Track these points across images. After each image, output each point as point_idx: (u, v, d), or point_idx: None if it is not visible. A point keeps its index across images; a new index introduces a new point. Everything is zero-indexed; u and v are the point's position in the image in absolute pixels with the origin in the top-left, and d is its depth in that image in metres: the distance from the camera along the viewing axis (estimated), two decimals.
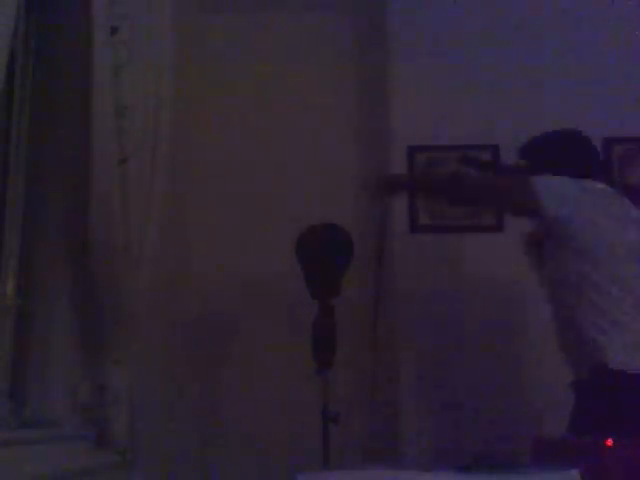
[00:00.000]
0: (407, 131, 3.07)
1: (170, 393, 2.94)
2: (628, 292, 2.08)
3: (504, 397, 2.78)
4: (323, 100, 3.28)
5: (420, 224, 2.99)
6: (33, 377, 2.33)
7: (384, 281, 2.99)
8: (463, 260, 2.94)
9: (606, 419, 1.97)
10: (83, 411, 2.41)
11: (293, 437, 2.84)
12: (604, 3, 3.13)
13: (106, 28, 2.29)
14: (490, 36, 3.13)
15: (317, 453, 2.42)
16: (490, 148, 3.04)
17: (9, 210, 2.30)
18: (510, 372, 2.80)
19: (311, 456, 2.44)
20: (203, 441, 2.95)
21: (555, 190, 2.13)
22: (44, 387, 2.33)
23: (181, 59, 2.74)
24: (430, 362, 2.84)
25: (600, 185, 2.22)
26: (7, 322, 2.24)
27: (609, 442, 2.10)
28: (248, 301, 3.05)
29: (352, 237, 2.57)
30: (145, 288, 2.48)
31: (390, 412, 2.84)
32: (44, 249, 2.41)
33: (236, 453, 2.88)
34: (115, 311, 2.40)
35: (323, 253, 2.53)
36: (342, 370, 2.62)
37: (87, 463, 2.30)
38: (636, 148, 3.02)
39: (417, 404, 2.79)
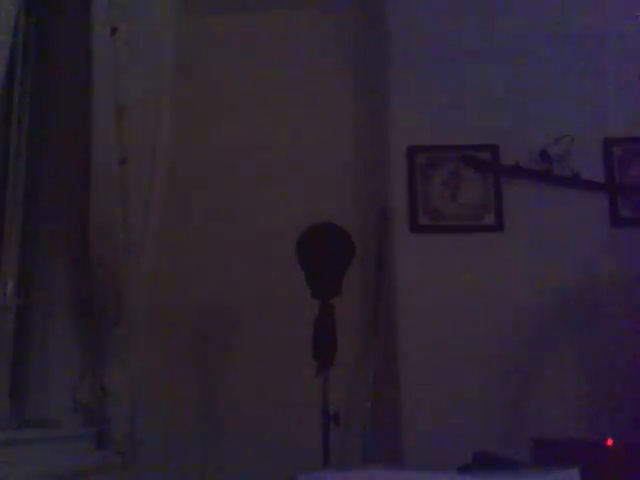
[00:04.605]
0: (407, 131, 3.07)
1: (170, 393, 2.94)
2: None
3: (504, 397, 2.77)
4: (323, 100, 3.28)
5: (420, 224, 2.99)
6: (33, 377, 2.33)
7: (384, 281, 3.00)
8: (463, 260, 2.94)
9: None
10: (83, 411, 2.41)
11: (293, 437, 2.84)
12: (604, 3, 3.13)
13: (106, 28, 2.29)
14: (490, 36, 3.13)
15: (317, 453, 2.42)
16: (490, 148, 3.04)
17: (9, 210, 2.30)
18: (510, 371, 2.80)
19: (311, 456, 2.44)
20: (203, 441, 2.95)
21: None
22: (44, 387, 2.33)
23: (181, 59, 2.74)
24: (430, 362, 2.83)
25: None
26: (7, 322, 2.24)
27: (609, 442, 2.11)
28: (248, 301, 3.05)
29: (352, 237, 2.57)
30: (145, 289, 2.48)
31: (390, 412, 2.83)
32: (44, 249, 2.42)
33: (236, 453, 2.88)
34: (115, 311, 2.40)
35: (323, 253, 2.53)
36: (342, 370, 2.62)
37: (87, 463, 2.30)
38: (636, 148, 3.02)
39: (417, 404, 2.79)
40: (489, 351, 2.83)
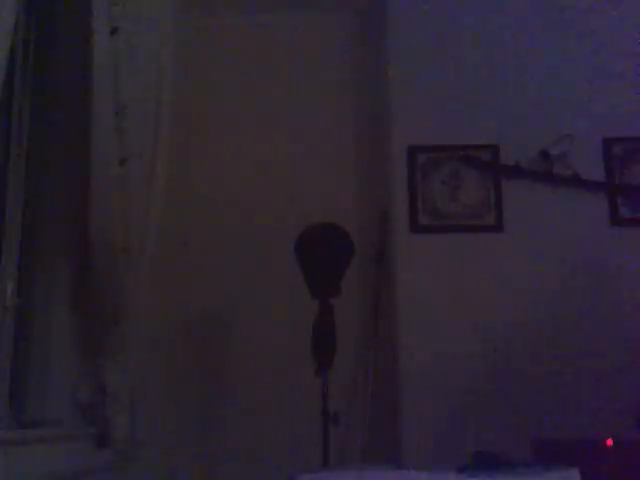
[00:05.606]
0: (407, 131, 3.07)
1: (170, 393, 2.95)
2: None
3: (504, 397, 2.77)
4: (323, 100, 3.28)
5: (420, 224, 2.99)
6: (33, 377, 2.33)
7: (384, 281, 3.00)
8: (463, 260, 2.94)
9: None
10: (83, 411, 2.41)
11: (293, 437, 2.84)
12: (604, 3, 3.13)
13: (106, 28, 2.29)
14: (490, 37, 3.13)
15: (317, 453, 2.42)
16: (490, 148, 3.04)
17: (9, 210, 2.30)
18: (510, 371, 2.80)
19: (311, 456, 2.44)
20: (203, 441, 2.95)
21: None
22: (44, 387, 2.33)
23: (181, 59, 2.74)
24: (430, 362, 2.83)
25: None
26: (7, 322, 2.24)
27: (609, 442, 2.11)
28: (248, 301, 3.05)
29: (352, 237, 2.57)
30: (145, 288, 2.48)
31: (390, 412, 2.83)
32: (44, 249, 2.41)
33: (236, 453, 2.88)
34: (115, 311, 2.40)
35: (323, 253, 2.53)
36: (342, 370, 2.62)
37: (87, 463, 2.30)
38: (636, 148, 3.02)
39: (417, 404, 2.79)
40: (489, 351, 2.83)
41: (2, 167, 2.29)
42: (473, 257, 2.94)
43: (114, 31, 2.32)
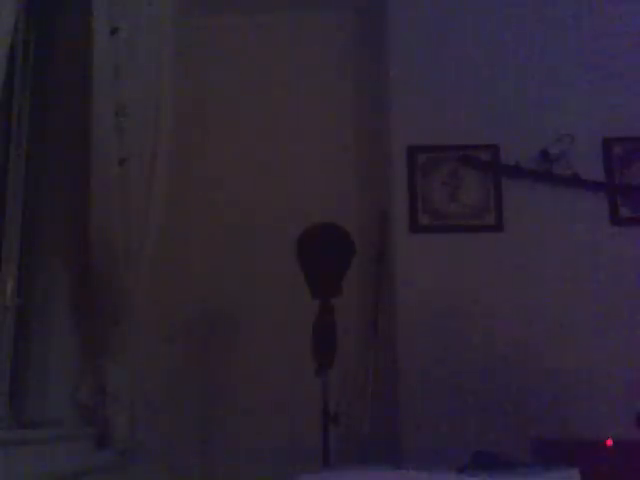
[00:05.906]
0: (407, 131, 3.07)
1: (170, 393, 2.94)
2: None
3: (504, 397, 2.77)
4: (323, 100, 3.28)
5: (420, 224, 2.99)
6: (33, 377, 2.33)
7: (384, 281, 3.00)
8: (463, 260, 2.94)
9: None
10: (83, 411, 2.41)
11: (293, 437, 2.84)
12: (605, 3, 3.13)
13: (106, 28, 2.29)
14: (490, 37, 3.13)
15: (317, 453, 2.42)
16: (490, 148, 3.04)
17: (9, 210, 2.30)
18: (511, 371, 2.80)
19: (311, 456, 2.44)
20: (203, 441, 2.95)
21: None
22: (44, 387, 2.33)
23: (181, 59, 2.74)
24: (430, 362, 2.83)
25: None
26: (7, 322, 2.24)
27: (609, 442, 2.11)
28: (248, 301, 3.05)
29: (352, 237, 2.57)
30: (145, 288, 2.48)
31: (390, 412, 2.83)
32: (44, 249, 2.42)
33: (236, 453, 2.88)
34: (115, 311, 2.40)
35: (323, 253, 2.53)
36: (342, 370, 2.62)
37: (87, 463, 2.30)
38: (636, 148, 3.02)
39: (417, 404, 2.79)
40: (489, 350, 2.83)
41: (2, 167, 2.29)
42: (473, 257, 2.94)
43: (114, 31, 2.33)
